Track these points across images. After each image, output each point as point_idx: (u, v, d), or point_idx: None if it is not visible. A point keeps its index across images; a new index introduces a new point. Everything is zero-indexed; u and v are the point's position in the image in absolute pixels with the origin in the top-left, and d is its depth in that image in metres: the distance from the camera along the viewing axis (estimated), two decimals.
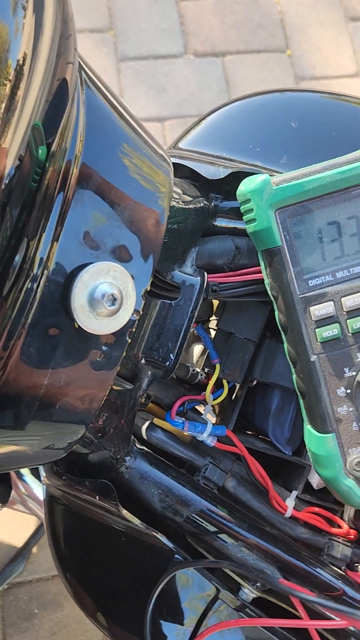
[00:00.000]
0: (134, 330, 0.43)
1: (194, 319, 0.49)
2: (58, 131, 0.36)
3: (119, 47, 1.95)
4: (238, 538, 0.52)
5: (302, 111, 0.61)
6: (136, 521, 0.50)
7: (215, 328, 0.59)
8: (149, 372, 0.49)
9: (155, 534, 0.50)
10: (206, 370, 0.59)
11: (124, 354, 0.42)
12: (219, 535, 0.52)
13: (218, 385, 0.59)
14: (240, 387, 0.62)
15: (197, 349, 0.64)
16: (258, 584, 0.53)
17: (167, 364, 0.49)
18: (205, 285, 0.49)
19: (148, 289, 0.43)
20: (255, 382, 0.61)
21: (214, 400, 0.58)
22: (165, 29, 1.99)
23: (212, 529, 0.52)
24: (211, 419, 0.60)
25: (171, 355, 0.48)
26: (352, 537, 0.57)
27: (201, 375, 0.59)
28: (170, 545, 0.50)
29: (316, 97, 0.63)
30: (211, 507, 0.52)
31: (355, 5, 2.11)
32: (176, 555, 0.53)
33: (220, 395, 0.58)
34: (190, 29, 2.00)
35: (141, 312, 0.43)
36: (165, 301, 0.48)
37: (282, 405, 0.60)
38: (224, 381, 0.58)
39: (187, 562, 0.54)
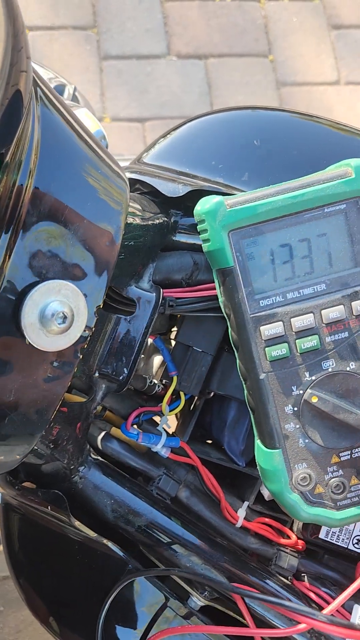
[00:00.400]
0: (85, 345, 0.44)
1: (148, 335, 0.50)
2: (13, 141, 0.37)
3: (102, 45, 1.95)
4: (188, 548, 0.53)
5: (265, 129, 0.62)
6: (87, 531, 0.51)
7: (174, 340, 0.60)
8: (103, 385, 0.50)
9: (106, 542, 0.51)
10: (164, 382, 0.60)
11: (75, 369, 0.43)
12: (170, 545, 0.53)
13: (178, 397, 0.60)
14: (198, 398, 0.63)
15: (157, 360, 0.65)
16: (206, 593, 0.54)
17: (120, 377, 0.50)
18: (160, 301, 0.50)
19: (101, 306, 0.44)
20: (212, 394, 0.62)
21: (171, 411, 0.59)
22: (149, 29, 1.99)
23: (163, 538, 0.53)
24: (168, 430, 0.62)
25: (125, 369, 0.49)
26: (300, 547, 0.58)
27: (159, 386, 0.60)
28: (121, 553, 0.51)
29: (281, 115, 0.64)
30: (163, 518, 0.53)
31: (338, 13, 2.13)
32: (130, 566, 0.54)
33: (177, 407, 0.59)
34: (175, 30, 2.01)
35: (93, 329, 0.44)
36: (121, 316, 0.49)
37: (238, 418, 0.62)
38: (181, 393, 0.59)
39: (139, 571, 0.55)
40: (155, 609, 0.54)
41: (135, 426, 0.57)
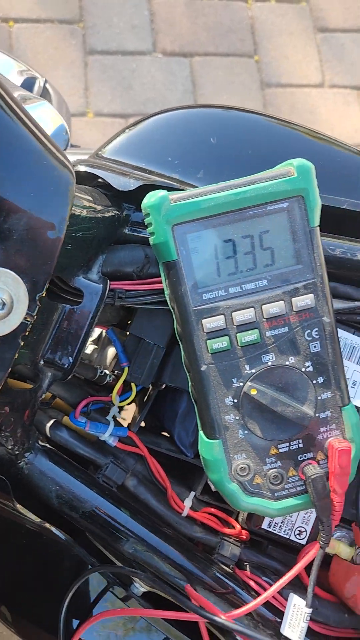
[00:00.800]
0: (27, 333, 0.44)
1: (94, 324, 0.50)
2: None
3: (87, 40, 1.95)
4: (131, 535, 0.54)
5: (223, 128, 0.63)
6: (31, 515, 0.52)
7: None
8: (49, 373, 0.51)
9: (49, 527, 0.52)
10: (116, 372, 0.61)
11: (15, 356, 0.44)
12: (113, 532, 0.54)
13: (130, 388, 0.61)
14: (151, 390, 0.64)
15: (111, 352, 0.66)
16: (149, 580, 0.55)
17: (65, 366, 0.50)
18: (107, 293, 0.51)
19: (43, 294, 0.45)
20: (164, 386, 0.63)
21: (122, 402, 0.60)
22: (136, 26, 2.00)
23: (107, 526, 0.54)
24: (122, 421, 0.63)
25: (70, 358, 0.50)
26: (244, 537, 0.59)
27: (110, 377, 0.61)
28: (63, 537, 0.52)
29: (239, 115, 0.65)
30: (107, 505, 0.54)
31: (325, 16, 2.15)
32: (77, 549, 0.55)
33: (128, 398, 0.60)
34: (161, 28, 2.01)
35: (35, 316, 0.45)
36: (67, 306, 0.50)
37: (189, 410, 0.63)
38: (132, 384, 0.60)
39: (101, 566, 0.56)
40: (98, 593, 0.55)
41: (83, 415, 0.57)
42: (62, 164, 0.46)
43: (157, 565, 0.53)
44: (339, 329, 0.59)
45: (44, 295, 0.45)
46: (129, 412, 0.72)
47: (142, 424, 0.75)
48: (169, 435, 0.66)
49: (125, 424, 0.63)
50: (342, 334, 0.59)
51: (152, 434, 0.65)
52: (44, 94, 0.87)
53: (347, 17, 2.14)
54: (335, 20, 2.14)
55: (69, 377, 0.51)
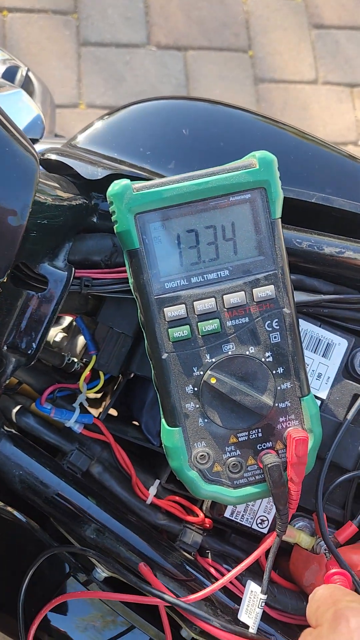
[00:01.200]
0: None
1: (58, 311, 0.51)
2: None
3: (81, 31, 1.95)
4: (94, 521, 0.55)
5: (195, 120, 0.63)
6: None
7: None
8: (13, 359, 0.52)
9: (11, 510, 0.53)
10: (84, 360, 0.62)
11: None
12: (76, 517, 0.55)
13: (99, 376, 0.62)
14: (121, 379, 0.64)
15: (82, 340, 0.66)
16: (119, 574, 0.56)
17: (29, 352, 0.51)
18: (71, 280, 0.51)
19: (5, 280, 0.45)
20: (133, 375, 0.64)
21: (89, 390, 0.61)
22: (130, 18, 2.00)
23: (70, 511, 0.55)
24: (94, 411, 0.63)
25: (33, 344, 0.51)
26: (208, 525, 0.60)
27: (78, 364, 0.62)
28: (24, 520, 0.53)
29: (213, 107, 0.65)
30: (70, 490, 0.55)
31: (320, 12, 2.15)
32: (40, 533, 0.56)
33: (96, 386, 0.61)
34: (155, 20, 2.01)
35: None
36: (32, 292, 0.50)
37: (157, 400, 0.63)
38: (101, 372, 0.61)
39: (58, 546, 0.57)
40: (60, 578, 0.56)
41: (49, 402, 0.58)
42: (25, 151, 0.46)
43: (118, 551, 0.54)
44: (305, 322, 0.60)
45: (5, 281, 0.46)
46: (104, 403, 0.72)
47: (115, 413, 0.76)
48: (139, 425, 0.67)
49: (97, 414, 0.63)
50: (308, 326, 0.60)
51: (121, 423, 0.66)
52: (27, 83, 0.88)
53: (342, 14, 2.14)
54: (330, 17, 2.14)
55: (33, 363, 0.52)
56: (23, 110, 0.64)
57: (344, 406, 0.59)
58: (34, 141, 0.66)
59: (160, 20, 2.01)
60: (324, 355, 0.60)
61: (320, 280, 0.59)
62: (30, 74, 0.88)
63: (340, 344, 0.60)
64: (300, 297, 0.59)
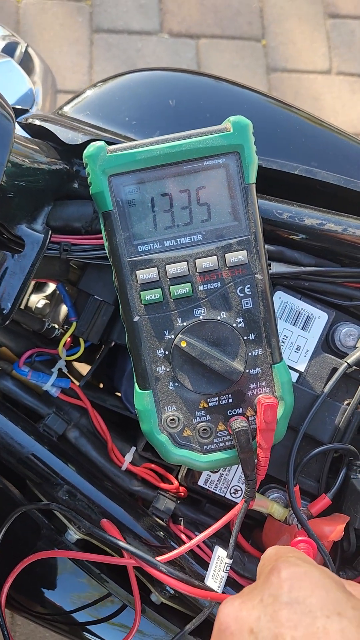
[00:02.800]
0: None
1: (33, 272, 0.52)
2: None
3: (94, 18, 1.95)
4: (66, 482, 0.56)
5: (183, 91, 0.63)
6: None
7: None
8: None
9: None
10: (65, 327, 0.62)
11: None
12: (49, 479, 0.56)
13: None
14: (103, 347, 0.65)
15: (65, 309, 0.67)
16: (83, 528, 0.57)
17: (4, 311, 0.52)
18: (47, 242, 0.52)
19: None
20: (114, 344, 0.64)
21: (69, 356, 0.62)
22: (143, 5, 2.00)
23: (44, 472, 0.56)
24: (71, 377, 0.64)
25: (8, 304, 0.51)
26: (182, 494, 0.61)
27: (58, 331, 0.62)
28: None
29: (201, 79, 0.65)
30: (44, 452, 0.56)
31: (335, 2, 2.12)
32: (11, 492, 0.57)
33: (76, 353, 0.62)
34: (168, 8, 2.01)
35: None
36: (7, 253, 0.51)
37: None
38: (81, 340, 0.62)
39: (26, 505, 0.57)
40: (35, 540, 0.57)
41: (27, 365, 0.59)
42: (1, 111, 0.47)
43: (89, 513, 0.55)
44: (285, 294, 0.60)
45: None
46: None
47: (101, 385, 0.76)
48: (120, 394, 0.68)
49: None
50: (288, 298, 0.60)
51: (102, 392, 0.66)
52: (26, 60, 0.88)
53: (359, 4, 2.11)
54: (346, 6, 2.11)
55: (9, 324, 0.53)
56: (12, 79, 0.65)
57: (322, 379, 0.59)
58: (24, 111, 0.66)
59: (173, 8, 2.01)
60: (303, 328, 0.60)
61: (301, 253, 0.59)
62: (30, 50, 0.89)
63: (320, 317, 0.60)
64: (280, 268, 0.59)
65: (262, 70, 2.01)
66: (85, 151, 0.49)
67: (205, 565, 0.58)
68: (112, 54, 1.94)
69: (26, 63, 0.90)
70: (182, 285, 0.50)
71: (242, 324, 0.50)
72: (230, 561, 0.51)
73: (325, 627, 0.33)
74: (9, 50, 0.87)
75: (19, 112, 0.65)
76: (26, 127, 0.58)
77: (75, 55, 1.91)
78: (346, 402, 0.59)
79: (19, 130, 0.57)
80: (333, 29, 2.10)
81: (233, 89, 0.66)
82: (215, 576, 0.52)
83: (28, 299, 0.67)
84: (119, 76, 0.66)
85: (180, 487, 0.60)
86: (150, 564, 0.49)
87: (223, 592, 0.51)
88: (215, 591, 0.50)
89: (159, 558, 0.51)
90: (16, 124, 0.48)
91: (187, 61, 1.96)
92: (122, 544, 0.49)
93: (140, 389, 0.51)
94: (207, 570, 0.57)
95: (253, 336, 0.51)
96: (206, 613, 0.51)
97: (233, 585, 0.57)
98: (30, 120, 0.56)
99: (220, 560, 0.52)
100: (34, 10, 1.92)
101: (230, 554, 0.51)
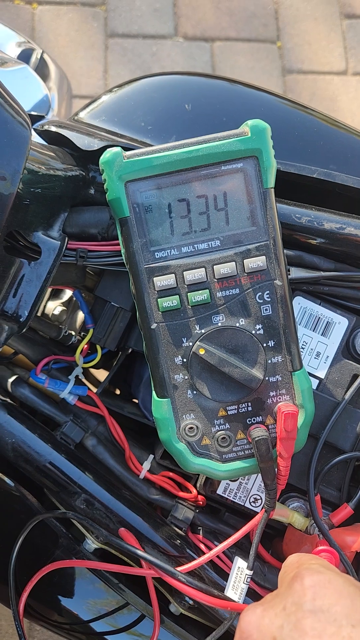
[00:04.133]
0: None
1: (50, 280, 0.51)
2: None
3: (109, 23, 1.96)
4: (84, 491, 0.55)
5: (198, 95, 0.63)
6: None
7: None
8: (6, 327, 0.52)
9: (2, 477, 0.53)
10: (82, 334, 0.62)
11: None
12: (66, 487, 0.55)
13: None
14: (120, 354, 0.65)
15: (82, 315, 0.67)
16: (101, 537, 0.56)
17: (21, 319, 0.51)
18: (63, 249, 0.51)
19: None
20: (130, 351, 0.64)
21: (86, 363, 0.61)
22: (158, 9, 2.00)
23: (61, 481, 0.55)
24: (88, 384, 0.64)
25: (25, 311, 0.51)
26: (201, 503, 0.60)
27: (75, 338, 0.62)
28: (12, 483, 0.53)
29: (217, 83, 0.65)
30: (62, 460, 0.55)
31: (351, 2, 2.10)
32: (29, 501, 0.56)
33: (93, 360, 0.61)
34: (183, 12, 2.01)
35: None
36: (24, 260, 0.51)
37: None
38: (98, 347, 0.61)
39: (44, 513, 0.57)
40: (53, 549, 0.57)
41: (44, 373, 0.58)
42: (18, 118, 0.47)
43: (107, 522, 0.54)
44: (304, 299, 0.59)
45: None
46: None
47: (117, 391, 0.76)
48: (137, 402, 0.67)
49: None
50: (307, 304, 0.59)
51: (120, 399, 0.66)
52: (41, 66, 0.89)
53: None
54: None
55: (26, 332, 0.52)
56: (28, 86, 0.65)
57: (342, 386, 0.58)
58: (40, 118, 0.66)
59: (188, 11, 2.00)
60: (323, 334, 0.59)
61: (320, 257, 0.58)
62: (45, 56, 0.89)
63: (340, 323, 0.59)
64: (299, 273, 0.58)
65: (278, 72, 2.00)
66: (101, 157, 0.48)
67: (224, 575, 0.57)
68: (127, 59, 1.94)
69: (42, 69, 0.90)
70: (200, 291, 0.49)
71: (261, 331, 0.50)
72: (251, 572, 0.50)
73: (350, 636, 0.32)
74: (25, 56, 0.87)
75: (35, 119, 0.65)
76: (42, 133, 0.58)
77: (90, 60, 1.91)
78: None
79: (35, 137, 0.57)
80: (349, 29, 2.08)
81: (249, 91, 0.65)
82: (236, 587, 0.51)
83: (45, 306, 0.67)
84: (134, 81, 0.66)
85: (199, 496, 0.59)
86: (170, 574, 0.48)
87: (244, 603, 0.50)
88: (236, 602, 0.49)
89: (178, 568, 0.50)
90: (32, 131, 0.47)
91: (202, 64, 1.96)
92: (141, 553, 0.49)
93: (158, 397, 0.50)
94: (226, 581, 0.57)
95: (272, 343, 0.50)
96: (227, 625, 0.50)
97: (253, 596, 0.55)
98: (46, 127, 0.56)
99: (240, 572, 0.51)
100: (49, 16, 1.93)
101: (251, 565, 0.50)
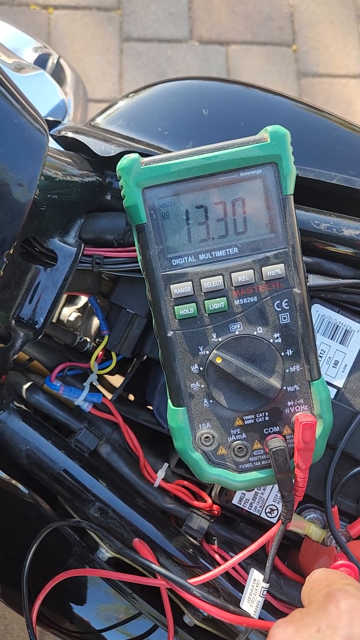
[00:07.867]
0: None
1: (66, 286, 0.51)
2: None
3: (124, 27, 1.96)
4: (98, 499, 0.55)
5: (216, 100, 0.62)
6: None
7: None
8: (21, 333, 0.52)
9: (15, 483, 0.53)
10: (97, 340, 0.62)
11: None
12: (80, 495, 0.55)
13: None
14: (135, 361, 0.64)
15: (97, 321, 0.66)
16: (114, 548, 0.56)
17: (37, 326, 0.51)
18: (79, 256, 0.51)
19: (11, 252, 0.45)
20: (145, 357, 0.63)
21: (101, 370, 0.61)
22: (173, 13, 2.00)
23: (76, 488, 0.55)
24: (102, 389, 0.63)
25: (41, 318, 0.51)
26: (216, 512, 0.59)
27: (90, 344, 0.61)
28: (27, 491, 0.53)
29: (234, 88, 0.64)
30: (76, 468, 0.55)
31: None
32: (42, 509, 0.56)
33: (108, 367, 0.61)
34: (198, 15, 2.00)
35: (2, 273, 0.45)
36: (40, 267, 0.51)
37: None
38: (113, 353, 0.61)
39: (57, 521, 0.57)
40: (67, 557, 0.56)
41: (59, 379, 0.58)
42: (35, 125, 0.46)
43: (121, 531, 0.54)
44: (322, 307, 0.58)
45: (12, 252, 0.46)
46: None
47: (132, 397, 0.76)
48: (152, 409, 0.66)
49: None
50: (326, 312, 0.58)
51: (134, 406, 0.65)
52: (58, 71, 0.89)
53: None
54: None
55: (42, 338, 0.52)
56: (45, 91, 0.65)
57: None
58: (57, 123, 0.66)
59: (203, 15, 2.00)
60: (341, 342, 0.58)
61: (339, 264, 0.57)
62: (62, 61, 0.89)
63: (358, 331, 0.58)
64: (318, 281, 0.57)
65: (293, 76, 1.99)
66: (119, 164, 0.48)
67: (239, 586, 0.56)
68: (142, 63, 1.94)
69: (58, 74, 0.90)
70: (217, 299, 0.48)
71: (279, 340, 0.49)
72: (267, 585, 0.49)
73: None
74: (41, 62, 0.87)
75: (51, 124, 0.64)
76: (59, 139, 0.58)
77: (105, 65, 1.92)
78: None
79: (51, 143, 0.57)
80: None
81: (266, 96, 0.65)
82: (252, 600, 0.50)
83: (60, 312, 0.66)
84: (150, 86, 0.65)
85: (214, 506, 0.59)
86: (185, 589, 0.47)
87: (260, 617, 0.49)
88: (252, 617, 0.49)
89: (192, 581, 0.49)
90: (49, 137, 0.47)
91: (217, 68, 1.95)
92: (155, 566, 0.48)
93: (173, 405, 0.50)
94: (241, 592, 0.56)
95: (291, 352, 0.49)
96: (242, 639, 0.49)
97: (269, 608, 0.55)
98: (63, 133, 0.56)
99: (256, 584, 0.50)
100: (65, 21, 1.94)
101: (267, 578, 0.49)
